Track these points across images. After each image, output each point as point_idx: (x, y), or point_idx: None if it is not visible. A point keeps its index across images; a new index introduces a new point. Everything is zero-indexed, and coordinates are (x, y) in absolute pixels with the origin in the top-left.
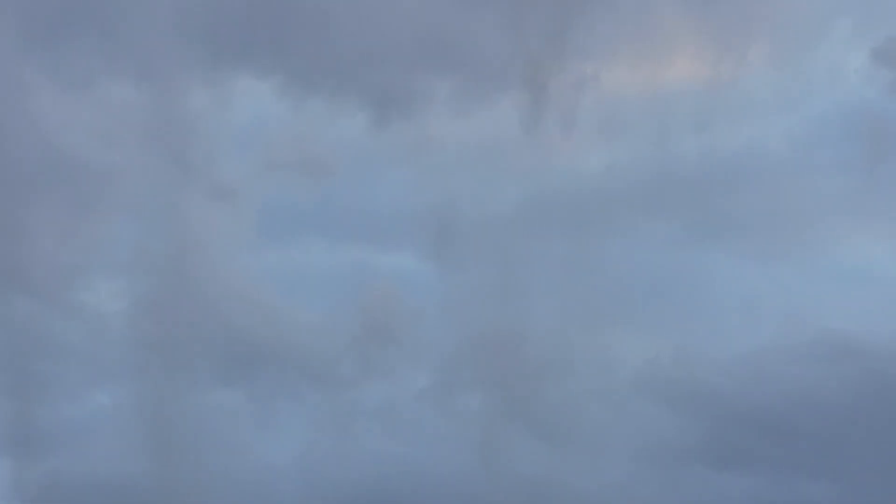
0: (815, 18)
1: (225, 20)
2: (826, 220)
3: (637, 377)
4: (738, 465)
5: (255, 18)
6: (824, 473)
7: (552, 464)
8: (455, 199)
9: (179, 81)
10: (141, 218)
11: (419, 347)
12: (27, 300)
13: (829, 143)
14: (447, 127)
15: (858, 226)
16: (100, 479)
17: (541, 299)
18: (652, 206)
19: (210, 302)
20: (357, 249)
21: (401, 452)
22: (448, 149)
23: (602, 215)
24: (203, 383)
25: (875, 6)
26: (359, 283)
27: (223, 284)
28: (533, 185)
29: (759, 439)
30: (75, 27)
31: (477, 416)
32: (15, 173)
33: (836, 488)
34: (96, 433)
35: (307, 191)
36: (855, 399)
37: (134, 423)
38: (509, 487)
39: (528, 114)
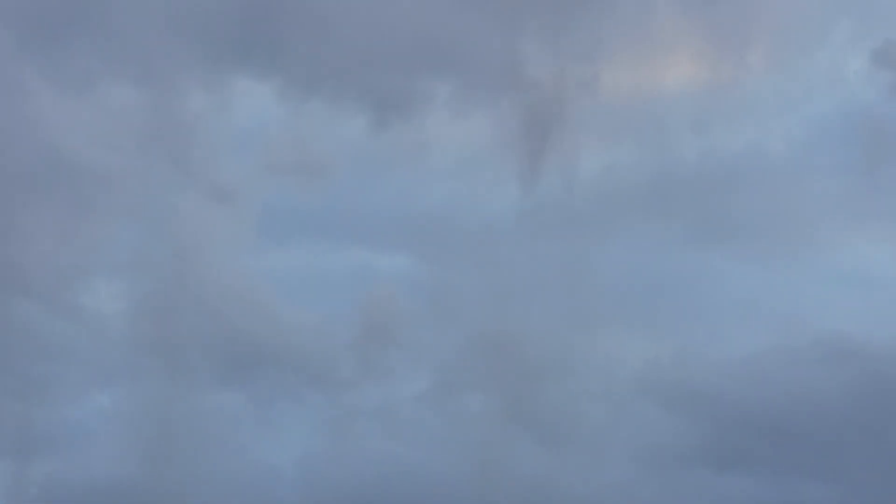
0: (815, 21)
1: (224, 23)
2: (825, 222)
3: (637, 379)
4: (738, 467)
5: (255, 21)
6: (824, 475)
7: (552, 465)
8: (454, 201)
9: (179, 84)
10: (141, 220)
11: (419, 349)
12: (27, 302)
13: (829, 145)
14: (446, 130)
15: (858, 228)
16: (100, 480)
17: (540, 301)
18: (651, 208)
19: (210, 304)
20: (356, 251)
21: (400, 453)
22: (447, 151)
23: (601, 217)
24: (203, 385)
25: (874, 9)
26: (358, 285)
27: (223, 286)
28: (532, 188)
29: (759, 441)
30: (75, 30)
31: (476, 417)
32: (15, 176)
33: (835, 489)
34: (96, 435)
35: (307, 193)
36: (854, 401)
37: (134, 425)
38: (509, 489)
39: (527, 116)
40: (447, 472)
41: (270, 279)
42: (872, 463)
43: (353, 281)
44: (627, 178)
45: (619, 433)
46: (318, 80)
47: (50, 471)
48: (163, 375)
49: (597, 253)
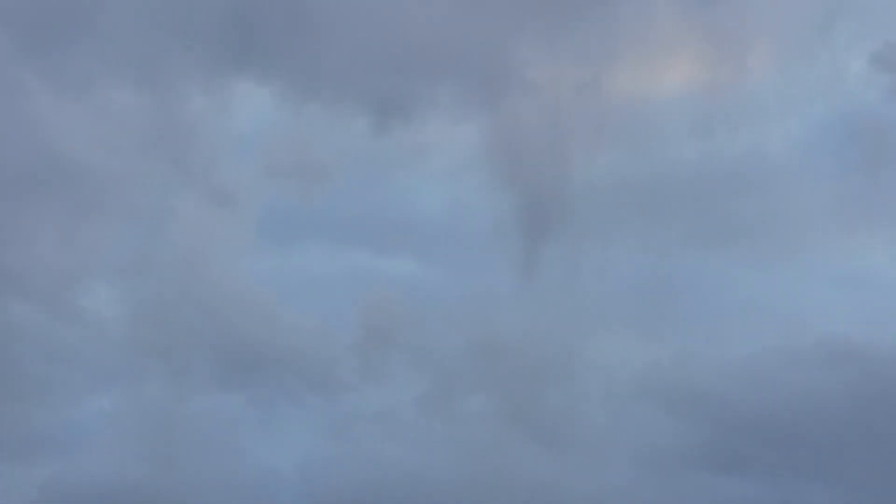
0: (815, 23)
1: (224, 26)
2: (826, 225)
3: (637, 381)
4: (738, 469)
5: (255, 24)
6: (824, 476)
7: (552, 468)
8: (454, 204)
9: (179, 87)
10: (141, 223)
11: (419, 352)
12: (28, 304)
13: (829, 147)
14: (446, 133)
15: (858, 230)
16: (100, 482)
17: (541, 304)
18: (652, 211)
19: (210, 307)
20: (357, 254)
21: (401, 457)
22: (447, 154)
23: (602, 219)
24: (203, 388)
25: (874, 11)
26: (358, 288)
27: (223, 289)
28: (532, 190)
29: (759, 443)
30: (75, 32)
31: (477, 420)
32: (15, 178)
33: (836, 491)
34: (97, 437)
35: (307, 196)
36: (855, 403)
37: (134, 428)
38: (510, 491)
39: (527, 119)
40: (448, 475)
41: (270, 282)
42: (873, 465)
43: (354, 284)
44: (627, 180)
45: (619, 435)
46: (318, 84)
47: (50, 473)
48: (163, 378)
49: (598, 255)
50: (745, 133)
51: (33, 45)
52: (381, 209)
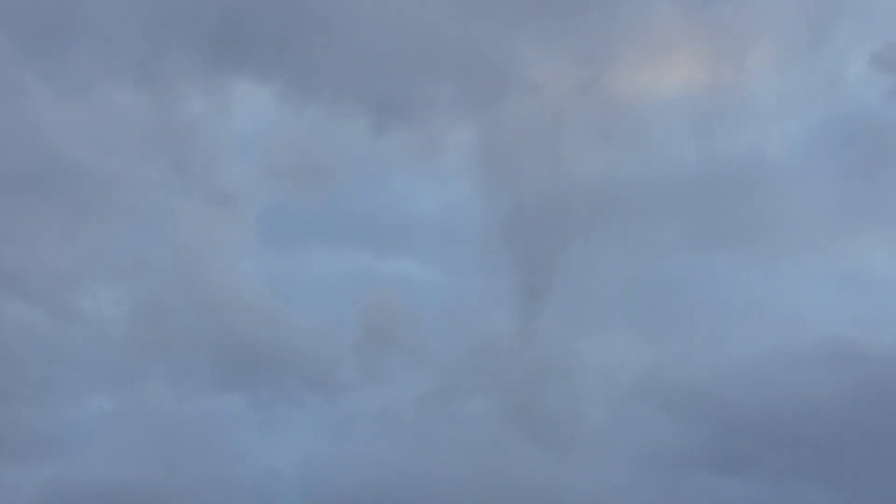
0: (815, 24)
1: (224, 26)
2: (826, 225)
3: (638, 382)
4: (739, 470)
5: (255, 25)
6: (825, 477)
7: (553, 468)
8: (455, 204)
9: (179, 87)
10: (141, 223)
11: (419, 353)
12: (28, 305)
13: (829, 147)
14: (446, 133)
15: (858, 230)
16: (100, 483)
17: (542, 305)
18: (652, 212)
19: (210, 307)
20: (357, 255)
21: (401, 457)
22: (447, 155)
23: (602, 221)
24: (203, 388)
25: (874, 11)
26: (359, 288)
27: (223, 290)
28: (531, 191)
29: (760, 444)
30: (75, 33)
31: (477, 421)
32: (15, 179)
33: (836, 492)
34: (97, 437)
35: (307, 196)
36: (855, 404)
37: (134, 428)
38: (510, 492)
39: (528, 119)
40: (448, 476)
41: (271, 283)
42: (873, 466)
43: (354, 284)
44: (628, 181)
45: (620, 436)
46: (318, 84)
47: (50, 473)
48: (163, 379)
49: (598, 256)
50: (745, 133)
51: (33, 45)
52: (381, 209)
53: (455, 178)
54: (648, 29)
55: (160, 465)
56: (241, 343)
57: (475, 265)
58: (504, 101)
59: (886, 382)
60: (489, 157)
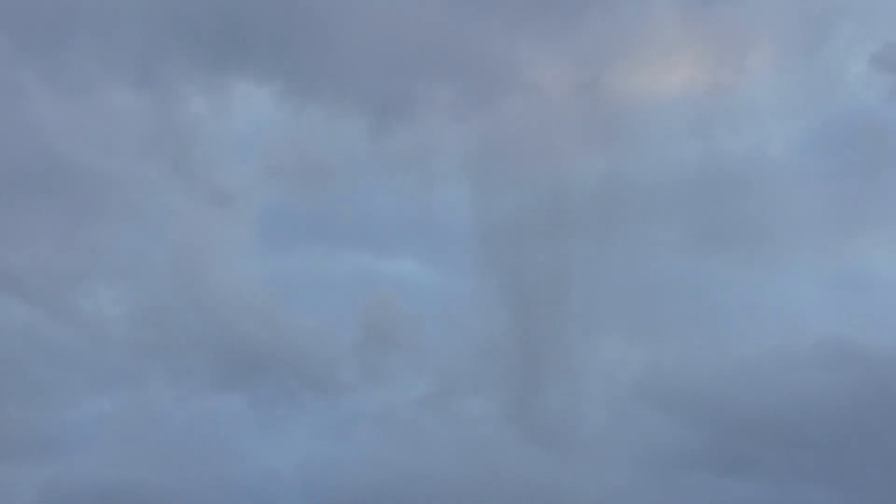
0: (815, 24)
1: (224, 27)
2: (826, 226)
3: (638, 383)
4: (739, 470)
5: (255, 25)
6: (825, 478)
7: (553, 469)
8: (455, 205)
9: (179, 88)
10: (141, 224)
11: (419, 353)
12: (28, 306)
13: (829, 148)
14: (446, 133)
15: (858, 231)
16: (100, 483)
17: (542, 305)
18: (652, 212)
19: (210, 308)
20: (357, 255)
21: (401, 457)
22: (447, 155)
23: (602, 221)
24: (203, 389)
25: (874, 12)
26: (359, 288)
27: (223, 290)
28: (533, 191)
29: (760, 444)
30: (75, 33)
31: (477, 421)
32: (15, 179)
33: (836, 493)
34: (97, 438)
35: (307, 197)
36: (855, 404)
37: (134, 429)
38: (510, 492)
39: (528, 119)
40: (448, 476)
41: (271, 283)
42: (873, 466)
43: (354, 285)
44: (628, 181)
45: (620, 437)
46: (318, 84)
47: (50, 473)
48: (163, 379)
49: (598, 257)
50: (745, 133)
51: (33, 46)
52: (382, 210)
53: (454, 178)
54: (648, 29)
55: (160, 465)
56: (241, 343)
57: (475, 266)
58: (504, 101)
59: (886, 382)
60: (489, 158)
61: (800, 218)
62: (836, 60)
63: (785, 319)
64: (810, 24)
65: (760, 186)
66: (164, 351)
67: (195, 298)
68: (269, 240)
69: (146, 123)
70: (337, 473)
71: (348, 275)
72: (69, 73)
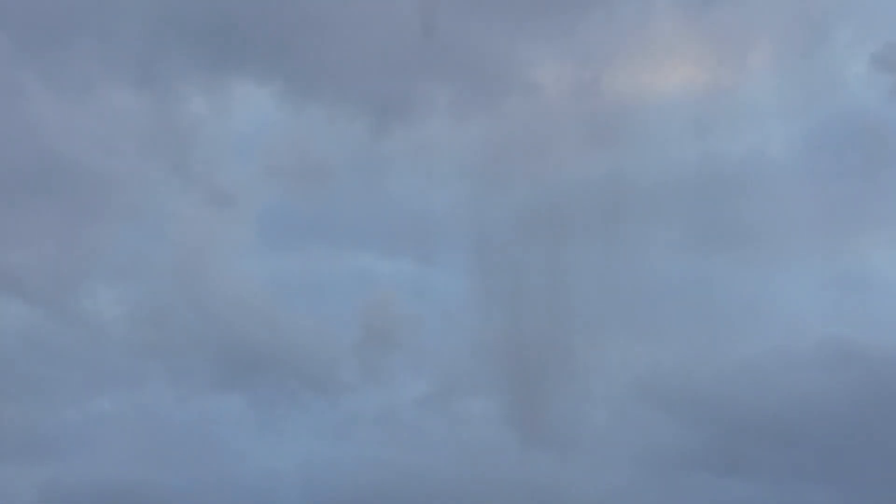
0: (815, 25)
1: (225, 27)
2: (826, 226)
3: (639, 383)
4: (740, 471)
5: (255, 25)
6: (825, 478)
7: (553, 469)
8: (455, 205)
9: (179, 88)
10: (141, 224)
11: (419, 353)
12: (27, 305)
13: (829, 148)
14: (446, 134)
15: (859, 231)
16: (101, 484)
17: (542, 305)
18: (652, 213)
19: (210, 308)
20: (357, 255)
21: (401, 458)
22: (447, 155)
23: (602, 222)
24: (204, 389)
25: (874, 12)
26: (359, 289)
27: (223, 291)
28: (534, 192)
29: (761, 444)
30: (75, 34)
31: (477, 421)
32: (15, 179)
33: (837, 493)
34: (97, 438)
35: (307, 197)
36: (856, 405)
37: (134, 429)
38: (510, 492)
39: (528, 119)
40: (448, 477)
41: (271, 283)
42: (874, 467)
43: (354, 285)
44: (628, 182)
45: (621, 437)
46: (318, 85)
47: (50, 473)
48: (163, 379)
49: (598, 257)
50: (745, 133)
51: (33, 46)
52: (382, 210)
53: (455, 178)
54: (648, 29)
55: (160, 465)
56: (241, 343)
57: (475, 265)
58: (504, 101)
59: (886, 382)
60: (489, 158)
61: (800, 218)
62: (835, 61)
63: (785, 319)
64: (810, 24)
65: (760, 187)
66: (163, 351)
67: (195, 298)
68: (270, 240)
69: (146, 123)
70: (337, 473)
71: (348, 275)
72: (69, 73)
